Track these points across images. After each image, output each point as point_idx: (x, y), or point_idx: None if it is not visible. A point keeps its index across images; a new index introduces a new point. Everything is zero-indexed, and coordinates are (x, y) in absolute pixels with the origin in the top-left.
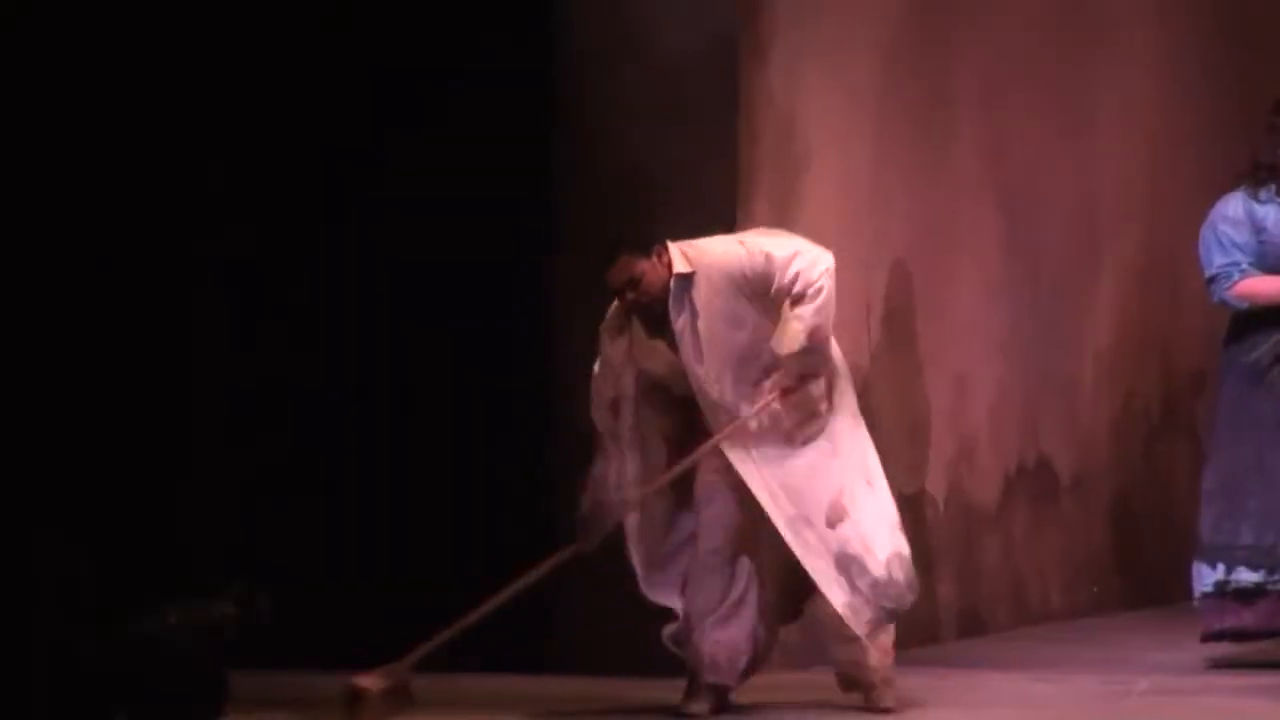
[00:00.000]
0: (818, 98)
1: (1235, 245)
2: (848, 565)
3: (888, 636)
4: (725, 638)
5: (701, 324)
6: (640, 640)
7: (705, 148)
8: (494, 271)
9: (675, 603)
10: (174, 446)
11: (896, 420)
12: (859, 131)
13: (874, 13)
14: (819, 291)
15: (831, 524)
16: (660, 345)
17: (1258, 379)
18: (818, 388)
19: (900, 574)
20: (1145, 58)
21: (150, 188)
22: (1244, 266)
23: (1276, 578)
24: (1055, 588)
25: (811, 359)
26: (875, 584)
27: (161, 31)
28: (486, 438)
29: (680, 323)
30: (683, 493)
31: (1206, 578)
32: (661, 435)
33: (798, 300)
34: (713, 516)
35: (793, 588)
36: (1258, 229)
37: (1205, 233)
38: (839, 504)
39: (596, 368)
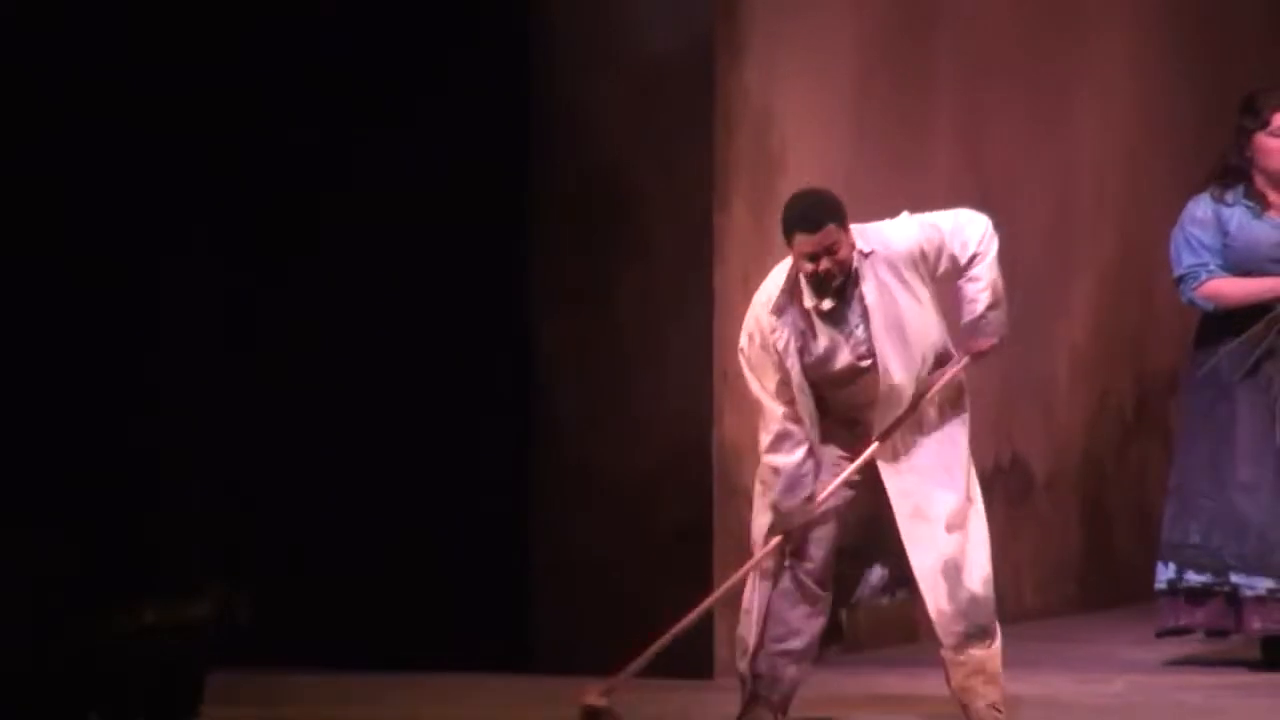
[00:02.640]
0: (794, 95)
1: (1204, 246)
2: (950, 573)
3: (993, 662)
4: (796, 674)
5: (882, 303)
6: (618, 640)
7: (682, 145)
8: (470, 271)
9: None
10: (150, 445)
11: None
12: (836, 129)
13: (851, 10)
14: (989, 248)
15: (949, 528)
16: (828, 329)
17: (1220, 384)
18: (955, 392)
19: (988, 595)
20: (1121, 57)
21: (124, 188)
22: (1211, 268)
23: (1222, 580)
24: (1030, 587)
25: (998, 316)
26: (973, 598)
27: (134, 38)
28: (460, 436)
29: (869, 298)
30: None
31: (1161, 575)
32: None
33: (970, 262)
34: (819, 534)
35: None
36: (1223, 230)
37: (1175, 233)
38: (962, 511)
39: (750, 343)
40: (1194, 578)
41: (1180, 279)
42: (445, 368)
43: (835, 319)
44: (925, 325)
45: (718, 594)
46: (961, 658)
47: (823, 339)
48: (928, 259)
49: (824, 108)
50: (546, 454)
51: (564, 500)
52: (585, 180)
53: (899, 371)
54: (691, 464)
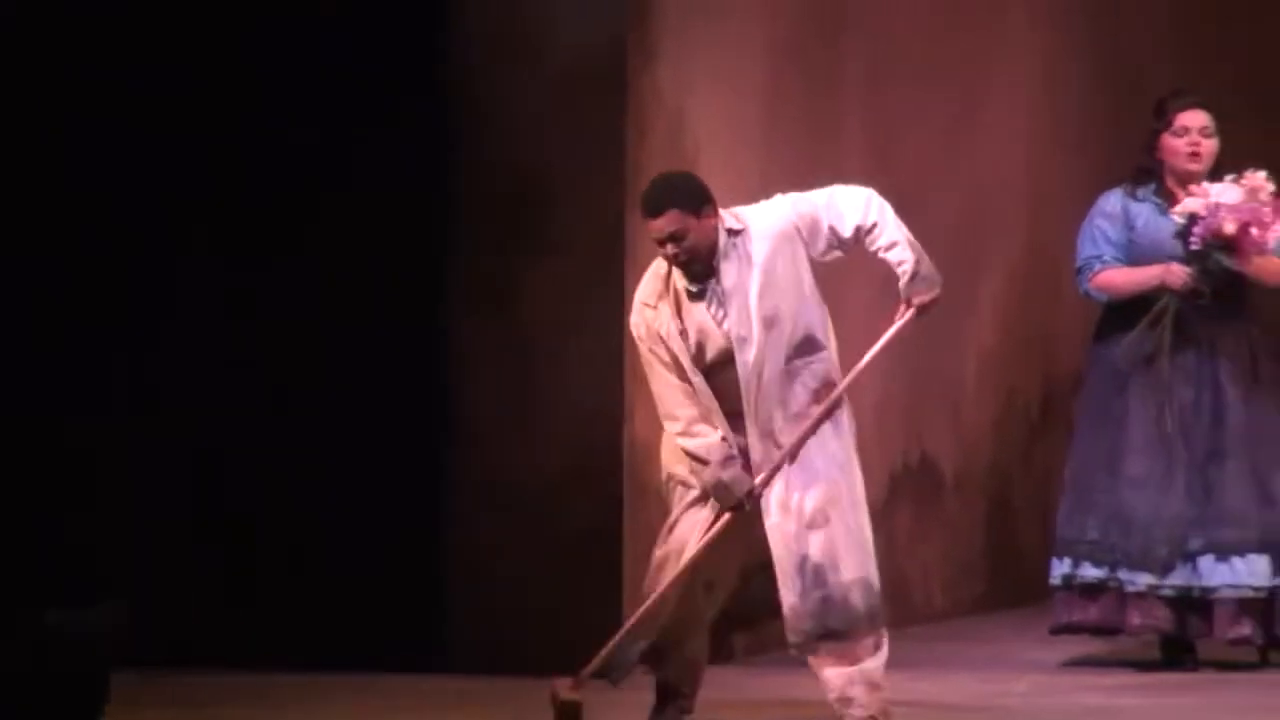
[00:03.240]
0: (706, 97)
1: (1106, 239)
2: (807, 571)
3: (875, 664)
4: (693, 650)
5: (748, 282)
6: (532, 639)
7: (595, 146)
8: (385, 270)
9: None
10: (51, 453)
11: None
12: (747, 130)
13: (763, 13)
14: (877, 204)
15: (810, 526)
16: (702, 310)
17: (1118, 380)
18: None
19: (859, 600)
20: (1031, 57)
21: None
22: (1106, 259)
23: (1117, 575)
24: (938, 587)
25: (926, 268)
26: (826, 600)
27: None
28: (374, 435)
29: (730, 278)
30: None
31: (1056, 571)
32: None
33: (870, 233)
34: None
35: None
36: (1130, 225)
37: (1083, 225)
38: (825, 511)
39: (637, 324)
40: (1091, 572)
41: (1078, 270)
42: (360, 367)
43: (704, 301)
44: (799, 306)
45: (676, 578)
46: (867, 675)
47: (691, 323)
48: (802, 234)
49: (736, 109)
50: (460, 453)
51: (477, 499)
52: (499, 180)
53: (759, 353)
54: (603, 463)
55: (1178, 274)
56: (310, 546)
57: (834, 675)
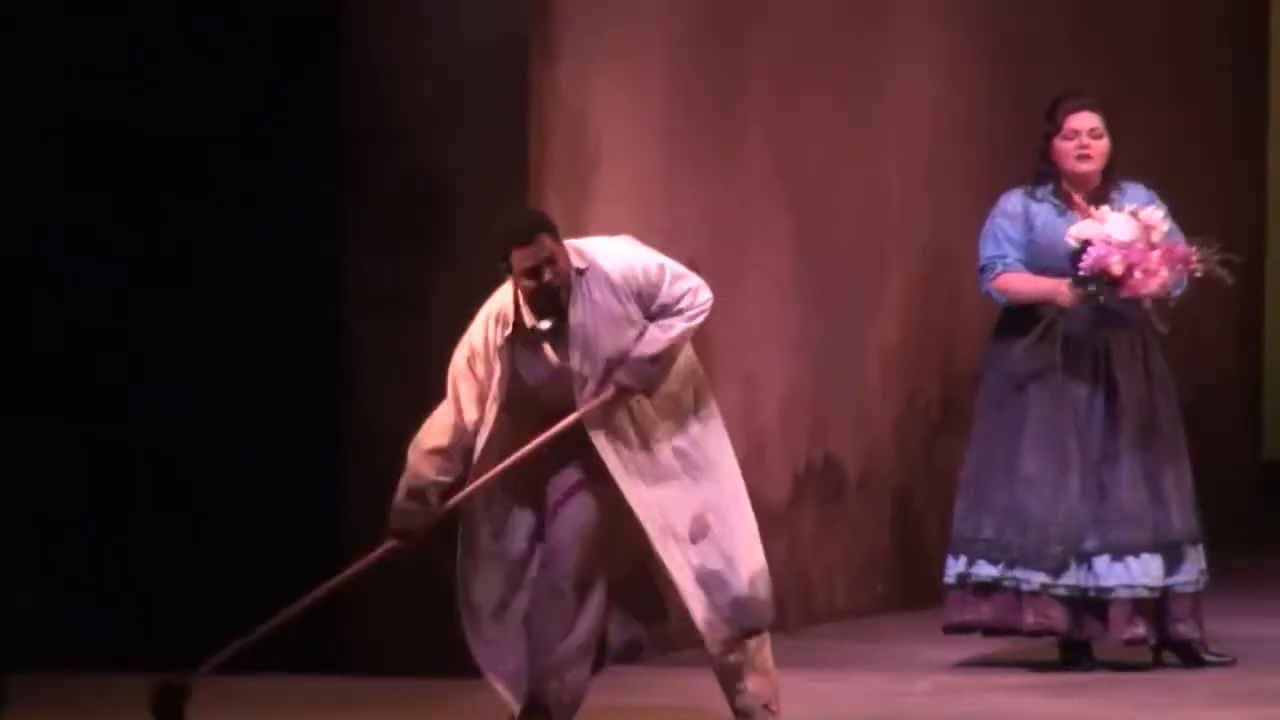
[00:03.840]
0: (609, 97)
1: (1008, 239)
2: (707, 581)
3: (763, 658)
4: (574, 680)
5: (593, 322)
6: (432, 640)
7: (496, 147)
8: (288, 275)
9: (508, 666)
10: None
11: None
12: (650, 131)
13: (664, 11)
14: (696, 316)
15: (694, 539)
16: (545, 345)
17: (1015, 380)
18: (686, 396)
19: (763, 591)
20: (933, 58)
21: None
22: (1009, 260)
23: (1013, 574)
24: (841, 587)
25: (656, 371)
26: (735, 601)
27: None
28: (274, 437)
29: (576, 316)
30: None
31: (951, 569)
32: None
33: (674, 313)
34: (566, 538)
35: (654, 591)
36: (1030, 225)
37: (985, 225)
38: (702, 519)
39: (464, 355)
40: (986, 570)
41: (981, 270)
42: (260, 370)
43: (553, 336)
44: (623, 352)
45: (339, 578)
46: (732, 659)
47: (538, 358)
48: (642, 296)
49: (638, 109)
50: (361, 455)
51: (378, 501)
52: (400, 180)
53: (591, 389)
54: None
55: (1065, 296)
56: (209, 547)
57: (730, 673)
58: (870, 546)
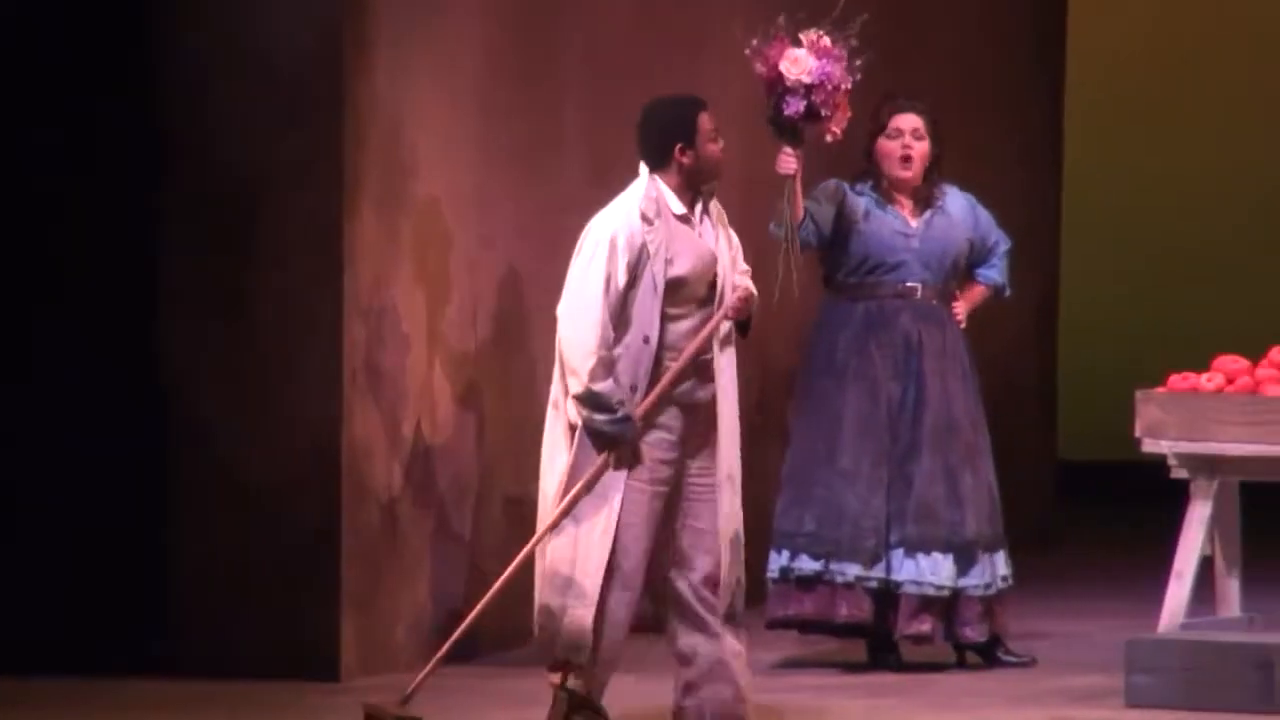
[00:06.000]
0: (424, 100)
1: (817, 210)
2: (737, 546)
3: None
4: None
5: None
6: (256, 641)
7: (311, 149)
8: (103, 273)
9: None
10: None
11: (505, 423)
12: (465, 134)
13: (478, 16)
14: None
15: (734, 499)
16: (691, 233)
17: (836, 375)
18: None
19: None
20: (738, 60)
21: None
22: (805, 234)
23: (833, 569)
24: None
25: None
26: (740, 582)
27: None
28: (96, 440)
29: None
30: None
31: (774, 563)
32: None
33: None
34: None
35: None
36: (851, 219)
37: (807, 193)
38: (739, 486)
39: (605, 253)
40: (808, 564)
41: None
42: (82, 370)
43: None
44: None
45: (526, 550)
46: (729, 641)
47: (687, 244)
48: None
49: (453, 113)
50: (183, 457)
51: (203, 503)
52: (221, 184)
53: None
54: (323, 467)
55: (784, 161)
56: (33, 547)
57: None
58: None
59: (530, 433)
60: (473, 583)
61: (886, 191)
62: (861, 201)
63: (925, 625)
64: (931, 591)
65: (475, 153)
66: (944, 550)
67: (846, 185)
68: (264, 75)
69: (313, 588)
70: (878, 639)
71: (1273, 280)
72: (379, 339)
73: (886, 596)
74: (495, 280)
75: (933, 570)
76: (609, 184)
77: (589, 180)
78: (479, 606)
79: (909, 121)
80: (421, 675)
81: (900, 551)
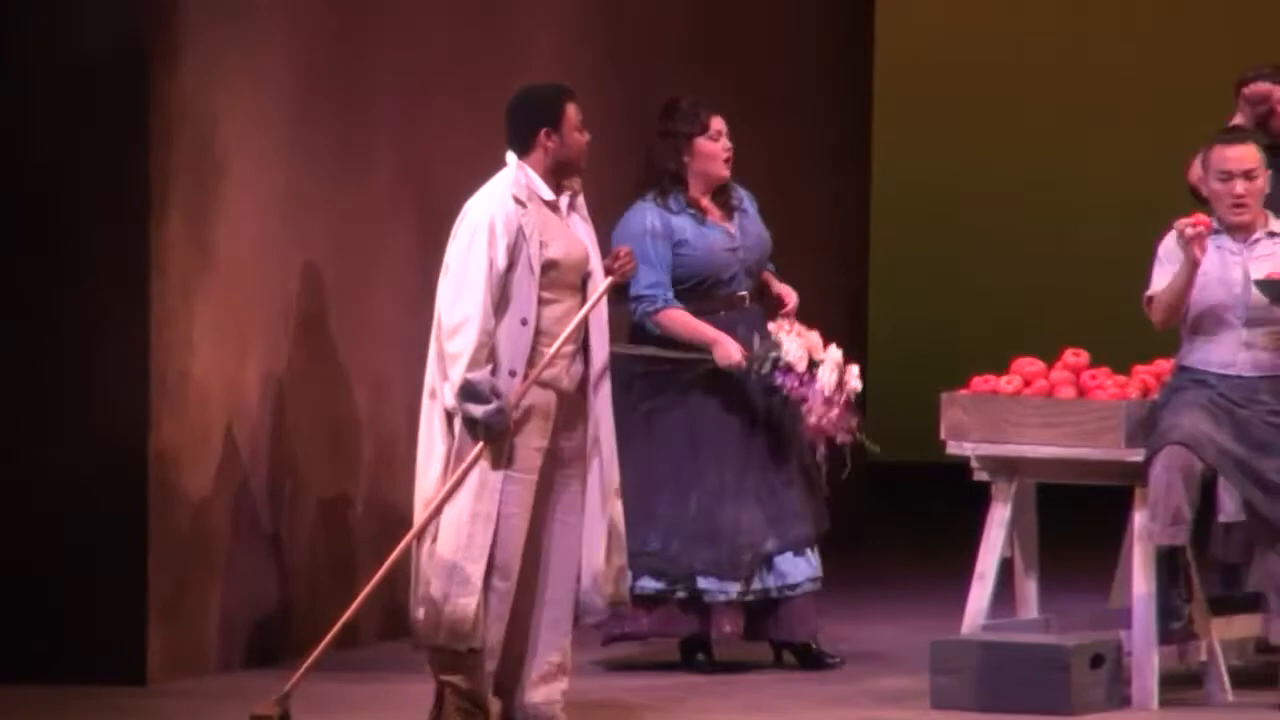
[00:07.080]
0: (235, 102)
1: (664, 263)
2: (614, 536)
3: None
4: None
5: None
6: (52, 644)
7: (118, 152)
8: None
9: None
10: None
11: (316, 425)
12: (276, 137)
13: (287, 16)
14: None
15: (616, 494)
16: (561, 220)
17: (674, 392)
18: None
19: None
20: (553, 64)
21: None
22: (670, 296)
23: (676, 588)
24: None
25: None
26: (622, 570)
27: None
28: None
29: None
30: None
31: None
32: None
33: None
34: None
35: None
36: (677, 241)
37: (635, 244)
38: (615, 479)
39: (485, 238)
40: (650, 584)
41: (638, 298)
42: None
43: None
44: None
45: (405, 542)
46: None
47: (561, 233)
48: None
49: (264, 115)
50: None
51: (4, 508)
52: (24, 183)
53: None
54: (129, 468)
55: (730, 356)
56: None
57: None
58: None
59: (340, 435)
60: (285, 584)
61: (694, 200)
62: (681, 221)
63: (813, 622)
64: (816, 586)
65: (286, 156)
66: (812, 546)
67: (657, 209)
68: (69, 76)
69: (119, 591)
70: (690, 641)
71: (1079, 280)
72: (186, 342)
73: (763, 605)
74: (306, 283)
75: (811, 566)
76: (422, 179)
77: (400, 183)
78: (354, 604)
79: (722, 122)
80: (297, 675)
81: (789, 555)
